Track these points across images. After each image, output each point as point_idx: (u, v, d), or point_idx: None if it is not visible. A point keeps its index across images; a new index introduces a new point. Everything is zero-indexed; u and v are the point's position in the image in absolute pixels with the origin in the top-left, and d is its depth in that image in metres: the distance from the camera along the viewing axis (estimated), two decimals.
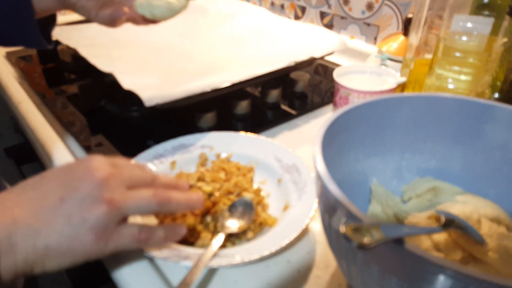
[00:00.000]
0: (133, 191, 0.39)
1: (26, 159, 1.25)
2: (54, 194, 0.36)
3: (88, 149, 0.67)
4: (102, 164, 0.39)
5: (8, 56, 1.05)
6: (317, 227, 0.51)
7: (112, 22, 0.58)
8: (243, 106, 0.76)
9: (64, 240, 0.35)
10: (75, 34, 0.88)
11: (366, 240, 0.24)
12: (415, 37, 0.70)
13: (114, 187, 0.37)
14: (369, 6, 1.05)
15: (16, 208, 0.35)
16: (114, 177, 0.38)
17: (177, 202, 0.42)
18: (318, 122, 0.78)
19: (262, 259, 0.45)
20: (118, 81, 0.63)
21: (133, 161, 0.46)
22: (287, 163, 0.58)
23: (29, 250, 0.34)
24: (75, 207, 0.35)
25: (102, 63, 0.69)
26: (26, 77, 0.93)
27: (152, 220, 0.50)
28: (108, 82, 0.70)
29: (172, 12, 0.58)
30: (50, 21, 0.61)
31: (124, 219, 0.39)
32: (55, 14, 0.62)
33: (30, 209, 0.35)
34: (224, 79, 0.67)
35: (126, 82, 0.62)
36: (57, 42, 0.86)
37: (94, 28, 0.60)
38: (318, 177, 0.34)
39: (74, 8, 0.57)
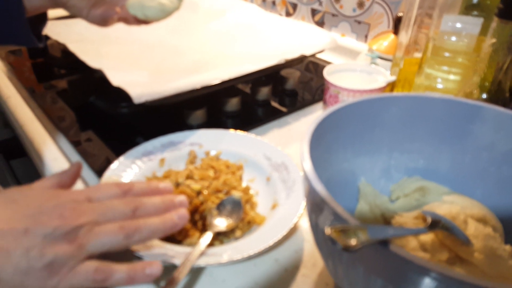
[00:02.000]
0: (98, 227, 0.37)
1: (15, 154, 1.24)
2: (20, 223, 0.34)
3: (77, 144, 0.67)
4: (76, 203, 0.37)
5: None
6: (305, 225, 0.51)
7: (103, 21, 0.57)
8: (233, 103, 0.76)
9: (17, 275, 0.33)
10: (64, 29, 0.87)
11: (351, 242, 0.24)
12: (405, 36, 0.70)
13: (79, 225, 0.35)
14: (360, 4, 1.05)
15: None
16: (83, 214, 0.36)
17: (150, 230, 0.38)
18: (308, 119, 0.78)
19: (250, 258, 0.45)
20: (107, 77, 0.62)
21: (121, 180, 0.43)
22: (276, 161, 0.58)
23: None
24: (36, 241, 0.34)
25: (91, 59, 0.68)
26: (15, 72, 0.92)
27: None
28: (97, 78, 0.69)
29: (165, 13, 0.57)
30: (41, 20, 0.60)
31: (89, 257, 0.37)
32: (46, 12, 0.61)
33: None
34: (214, 76, 0.67)
35: (115, 78, 0.62)
36: (47, 37, 0.86)
37: (84, 24, 0.59)
38: (305, 176, 0.34)
39: (65, 6, 0.56)
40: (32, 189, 0.39)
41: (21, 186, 0.38)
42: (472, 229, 0.38)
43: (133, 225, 0.38)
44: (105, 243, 0.36)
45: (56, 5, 0.56)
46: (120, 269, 0.37)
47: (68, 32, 0.86)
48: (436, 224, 0.35)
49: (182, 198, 0.43)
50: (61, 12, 0.60)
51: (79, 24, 0.88)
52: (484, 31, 0.55)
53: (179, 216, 0.41)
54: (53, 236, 0.34)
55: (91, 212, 0.37)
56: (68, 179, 0.42)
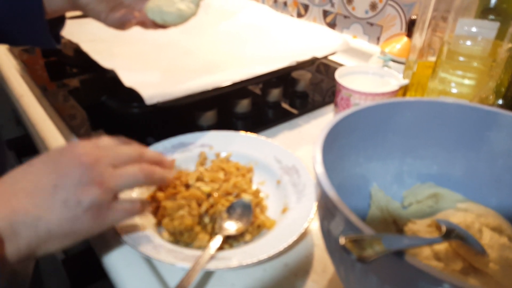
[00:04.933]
0: (120, 169, 0.41)
1: (27, 152, 1.25)
2: (47, 181, 0.37)
3: None
4: (87, 149, 0.40)
5: (11, 48, 1.05)
6: (315, 230, 0.51)
7: (121, 25, 0.58)
8: (243, 105, 0.76)
9: (65, 223, 0.37)
10: (77, 29, 0.87)
11: (366, 253, 0.24)
12: (419, 39, 0.69)
13: (102, 169, 0.39)
14: (373, 6, 1.05)
15: (12, 198, 0.36)
16: (100, 160, 0.40)
17: (160, 176, 0.45)
18: (319, 122, 0.77)
19: (260, 262, 0.45)
20: (120, 78, 0.62)
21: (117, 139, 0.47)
22: (287, 164, 0.58)
23: (32, 236, 0.35)
24: (69, 192, 0.37)
25: (103, 59, 0.68)
26: (28, 70, 0.93)
27: (150, 220, 0.50)
28: (109, 78, 0.69)
29: (182, 19, 0.58)
30: (59, 21, 0.61)
31: (115, 196, 0.42)
32: (64, 14, 0.61)
33: (27, 198, 0.36)
34: (225, 78, 0.66)
35: (128, 79, 0.62)
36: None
37: (96, 24, 0.59)
38: (318, 182, 0.33)
39: (84, 10, 0.57)
40: (41, 155, 0.41)
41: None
42: (487, 239, 0.37)
43: (150, 168, 0.44)
44: (129, 182, 0.42)
45: (75, 8, 0.57)
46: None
47: (81, 31, 0.87)
48: (450, 233, 0.34)
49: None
50: (74, 12, 0.60)
51: (92, 24, 0.89)
52: (500, 35, 0.54)
53: (170, 174, 0.48)
54: (82, 183, 0.38)
55: (105, 156, 0.41)
56: None
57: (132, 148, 0.45)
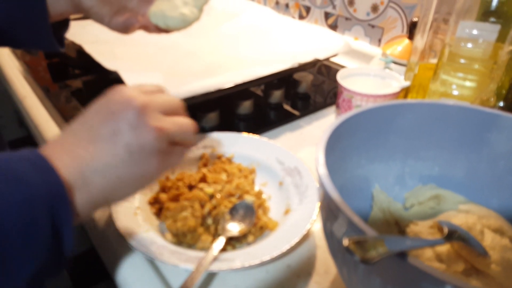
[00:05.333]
0: (172, 118, 0.41)
1: None
2: (105, 129, 0.36)
3: None
4: (134, 93, 0.39)
5: (14, 49, 1.05)
6: (318, 231, 0.51)
7: (125, 29, 0.58)
8: (246, 106, 0.76)
9: (132, 168, 0.37)
10: (80, 30, 0.88)
11: (369, 254, 0.24)
12: (420, 41, 0.70)
13: (153, 114, 0.39)
14: (374, 8, 1.05)
15: (76, 148, 0.36)
16: (149, 104, 0.39)
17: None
18: (321, 123, 0.78)
19: (263, 264, 0.45)
20: (123, 79, 0.62)
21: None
22: (289, 166, 0.58)
23: (103, 182, 0.36)
24: (129, 137, 0.37)
25: (106, 61, 0.69)
26: (31, 71, 0.93)
27: (153, 221, 0.50)
28: (112, 79, 0.69)
29: (185, 24, 0.58)
30: (63, 24, 0.61)
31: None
32: (68, 17, 0.62)
33: (90, 147, 0.36)
34: (227, 79, 0.67)
35: (131, 80, 0.62)
36: None
37: (99, 25, 0.60)
38: (321, 183, 0.33)
39: (87, 13, 0.57)
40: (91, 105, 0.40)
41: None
42: (489, 240, 0.37)
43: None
44: (182, 133, 0.41)
45: (79, 12, 0.57)
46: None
47: (84, 32, 0.87)
48: (452, 234, 0.35)
49: None
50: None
51: (94, 25, 0.88)
52: (501, 37, 0.55)
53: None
54: (139, 127, 0.37)
55: (153, 102, 0.39)
56: None
57: (175, 99, 0.43)
